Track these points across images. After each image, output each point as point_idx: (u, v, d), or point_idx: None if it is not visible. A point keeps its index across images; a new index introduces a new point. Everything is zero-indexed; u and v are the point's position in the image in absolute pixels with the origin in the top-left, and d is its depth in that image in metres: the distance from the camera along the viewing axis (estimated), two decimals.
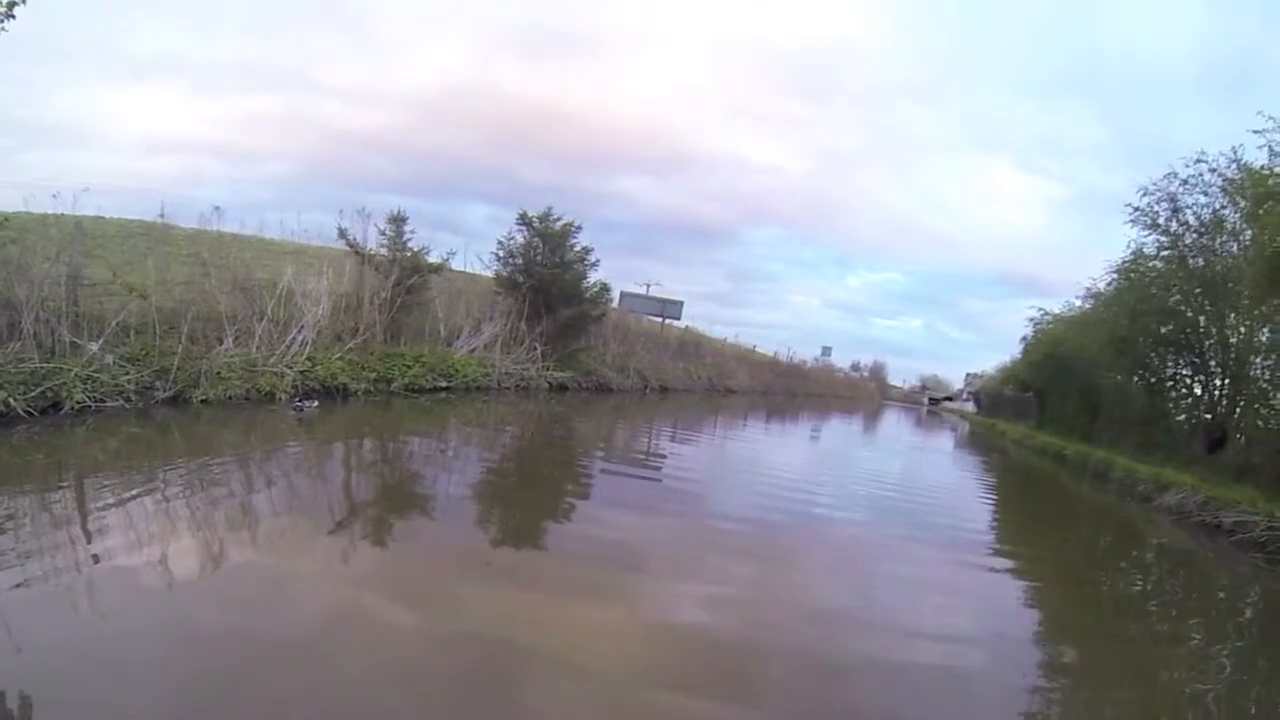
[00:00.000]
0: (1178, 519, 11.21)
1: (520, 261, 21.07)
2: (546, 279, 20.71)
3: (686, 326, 35.98)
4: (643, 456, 11.14)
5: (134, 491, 5.57)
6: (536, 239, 21.22)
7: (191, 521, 4.88)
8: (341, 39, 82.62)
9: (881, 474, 12.79)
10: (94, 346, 9.14)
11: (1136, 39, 79.42)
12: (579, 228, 21.80)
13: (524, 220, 21.27)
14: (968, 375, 71.62)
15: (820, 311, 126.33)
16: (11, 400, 7.77)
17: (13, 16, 7.49)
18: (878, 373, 79.39)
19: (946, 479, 14.85)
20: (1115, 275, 20.08)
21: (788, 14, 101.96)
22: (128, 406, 9.02)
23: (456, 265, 19.67)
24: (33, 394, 8.07)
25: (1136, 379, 20.67)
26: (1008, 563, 7.38)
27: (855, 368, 74.63)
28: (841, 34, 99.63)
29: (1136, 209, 18.04)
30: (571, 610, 4.14)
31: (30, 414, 7.89)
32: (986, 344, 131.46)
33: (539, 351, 20.20)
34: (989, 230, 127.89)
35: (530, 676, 3.21)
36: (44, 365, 8.50)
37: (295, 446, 8.77)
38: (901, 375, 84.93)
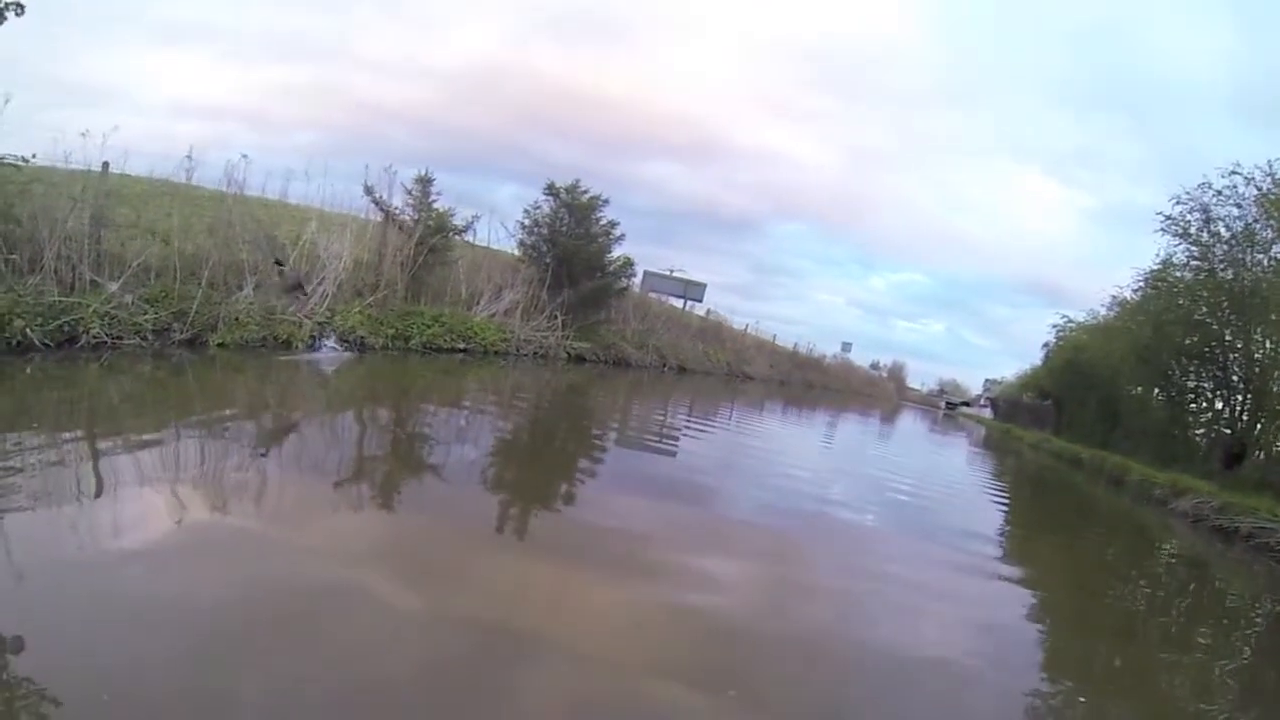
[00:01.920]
0: (1194, 522, 11.11)
1: (545, 231, 20.97)
2: (571, 249, 20.58)
3: (708, 311, 35.89)
4: (659, 433, 11.03)
5: (138, 433, 5.57)
6: (563, 209, 21.09)
7: (197, 469, 4.81)
8: (378, 12, 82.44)
9: (899, 468, 12.66)
10: (114, 286, 9.18)
11: (1172, 58, 78.26)
12: (606, 201, 21.65)
13: (551, 190, 21.13)
14: (986, 381, 71.00)
15: (842, 310, 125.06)
16: (29, 330, 7.84)
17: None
18: (896, 373, 78.57)
19: (963, 476, 14.74)
20: (1143, 284, 19.89)
21: (823, 11, 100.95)
22: (144, 345, 9.07)
23: (480, 240, 19.72)
24: (50, 326, 8.12)
25: (1157, 390, 20.48)
26: (1019, 558, 7.30)
27: (875, 367, 73.93)
28: (877, 34, 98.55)
29: (1168, 217, 17.95)
30: (573, 589, 4.03)
31: (47, 345, 7.98)
32: (1007, 351, 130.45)
33: (559, 321, 20.14)
34: (1016, 237, 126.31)
35: (533, 651, 3.11)
36: (63, 299, 8.54)
37: (309, 397, 8.84)
38: (920, 378, 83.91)
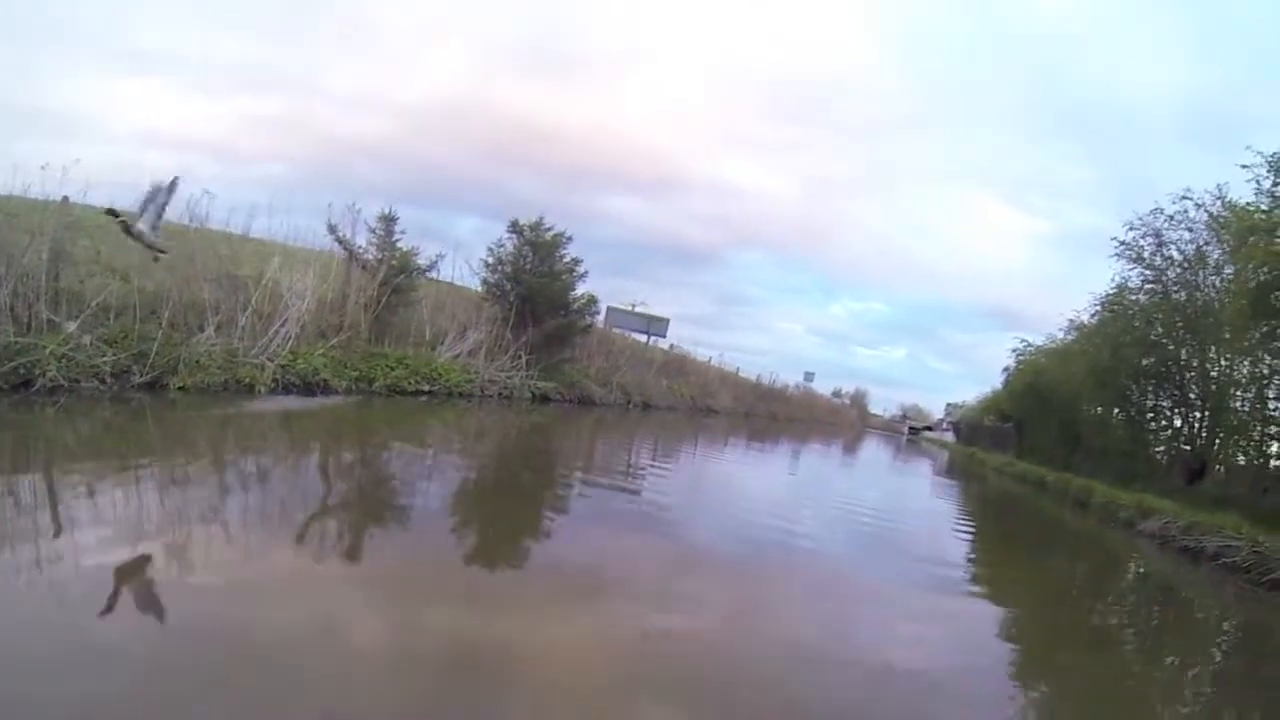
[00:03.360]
0: (1161, 544, 11.17)
1: (509, 269, 20.91)
2: (534, 287, 20.55)
3: (671, 345, 35.90)
4: (624, 472, 10.85)
5: (95, 480, 5.36)
6: (527, 247, 21.08)
7: (157, 515, 4.65)
8: (343, 46, 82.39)
9: (861, 497, 12.64)
10: (72, 325, 8.94)
11: (1123, 85, 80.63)
12: (570, 238, 21.72)
13: (515, 228, 21.13)
14: (948, 405, 71.89)
15: (803, 338, 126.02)
16: None
17: None
18: (859, 400, 79.30)
19: (926, 503, 14.80)
20: (1099, 307, 20.39)
21: (781, 44, 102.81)
22: (102, 389, 8.81)
23: (444, 277, 19.62)
24: (4, 369, 7.87)
25: (1117, 411, 20.84)
26: (987, 586, 7.24)
27: (837, 394, 74.49)
28: (833, 66, 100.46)
29: (1122, 243, 18.51)
30: (538, 630, 3.88)
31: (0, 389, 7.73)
32: (968, 375, 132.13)
33: (523, 360, 20.00)
34: (974, 263, 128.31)
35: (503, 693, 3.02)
36: (19, 340, 8.29)
37: (270, 441, 8.65)
38: (882, 404, 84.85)
